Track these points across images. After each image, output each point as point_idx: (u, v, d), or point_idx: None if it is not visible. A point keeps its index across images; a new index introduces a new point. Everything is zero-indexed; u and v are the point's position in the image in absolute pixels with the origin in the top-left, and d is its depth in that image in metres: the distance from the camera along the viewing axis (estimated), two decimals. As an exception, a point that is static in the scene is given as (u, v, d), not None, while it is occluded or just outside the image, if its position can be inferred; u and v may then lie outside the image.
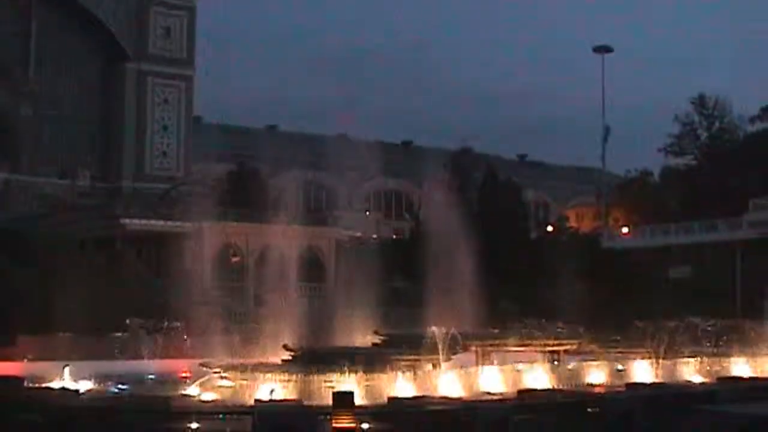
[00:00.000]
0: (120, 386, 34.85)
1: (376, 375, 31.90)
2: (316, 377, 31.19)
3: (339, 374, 31.07)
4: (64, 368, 34.62)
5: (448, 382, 34.32)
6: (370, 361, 32.50)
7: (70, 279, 42.66)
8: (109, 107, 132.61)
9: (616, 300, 71.98)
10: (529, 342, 39.77)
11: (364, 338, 39.78)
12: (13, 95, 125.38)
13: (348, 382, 30.61)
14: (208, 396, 32.50)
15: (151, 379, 35.98)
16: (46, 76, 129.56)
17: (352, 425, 25.42)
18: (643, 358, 40.95)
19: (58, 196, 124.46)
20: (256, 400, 29.80)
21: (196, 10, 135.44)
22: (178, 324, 41.10)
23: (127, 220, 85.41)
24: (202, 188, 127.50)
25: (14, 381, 31.74)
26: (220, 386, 33.81)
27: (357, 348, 38.46)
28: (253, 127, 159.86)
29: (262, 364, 33.17)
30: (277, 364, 34.42)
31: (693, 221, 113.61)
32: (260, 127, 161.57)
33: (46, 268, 41.45)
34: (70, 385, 34.16)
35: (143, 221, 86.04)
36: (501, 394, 33.29)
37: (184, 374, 36.63)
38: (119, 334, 40.16)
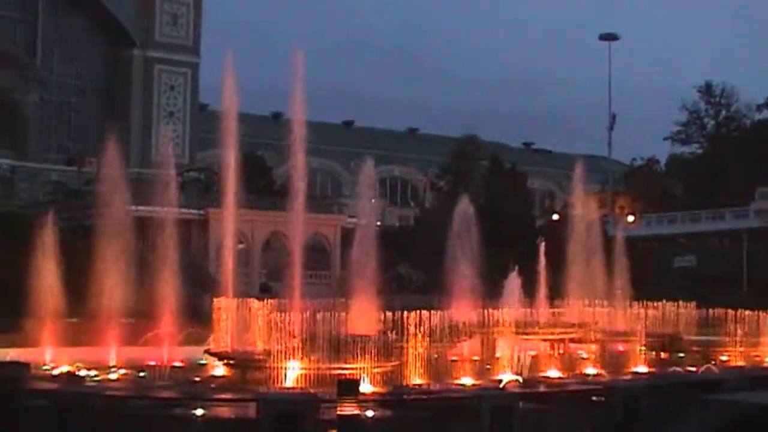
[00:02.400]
0: (120, 371, 34.99)
1: (382, 363, 31.92)
2: (322, 365, 31.21)
3: (345, 362, 31.10)
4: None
5: (454, 369, 34.39)
6: (375, 348, 32.51)
7: (75, 265, 42.69)
8: (116, 94, 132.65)
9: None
10: (534, 330, 39.74)
11: (369, 326, 39.75)
12: (20, 82, 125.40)
13: (354, 369, 30.64)
14: (213, 383, 32.58)
15: (151, 365, 35.99)
16: (52, 62, 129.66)
17: (357, 413, 25.44)
18: (648, 348, 40.98)
19: (65, 183, 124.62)
20: (261, 387, 29.85)
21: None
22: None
23: (132, 207, 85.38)
24: (207, 175, 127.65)
25: (20, 366, 31.78)
26: (224, 374, 33.93)
27: (362, 336, 38.46)
28: (258, 114, 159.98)
29: (266, 351, 33.17)
30: (283, 352, 34.42)
31: (699, 210, 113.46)
32: (266, 114, 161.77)
33: (53, 254, 41.57)
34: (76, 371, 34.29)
35: (149, 208, 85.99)
36: (507, 381, 33.30)
37: (178, 362, 36.73)
38: (125, 320, 40.19)
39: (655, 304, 45.57)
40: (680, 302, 46.88)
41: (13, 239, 63.05)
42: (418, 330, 33.78)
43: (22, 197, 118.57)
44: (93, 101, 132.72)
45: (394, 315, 35.18)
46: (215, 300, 37.55)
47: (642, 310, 44.36)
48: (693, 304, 47.23)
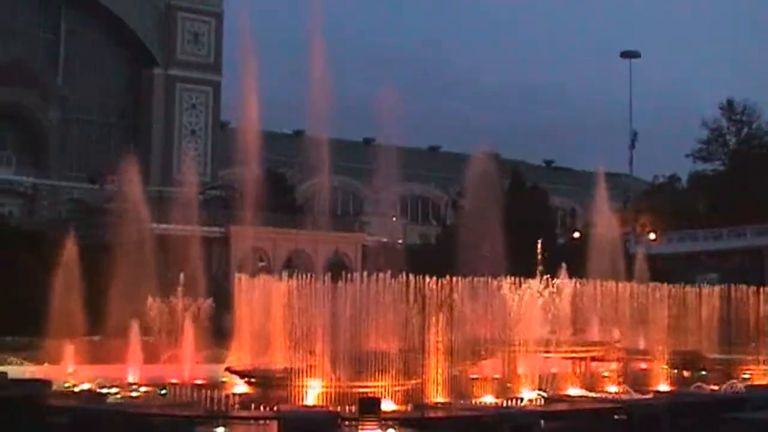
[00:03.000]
0: (141, 389, 35.02)
1: (403, 381, 31.83)
2: (343, 383, 31.15)
3: (366, 380, 31.03)
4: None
5: (476, 387, 34.28)
6: (397, 366, 32.46)
7: (96, 283, 42.86)
8: (138, 112, 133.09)
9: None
10: (556, 348, 39.58)
11: (390, 344, 39.67)
12: (42, 100, 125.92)
13: (375, 387, 30.57)
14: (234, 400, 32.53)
15: (173, 383, 36.07)
16: (74, 81, 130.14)
17: (378, 431, 25.39)
18: (670, 366, 40.81)
19: (86, 201, 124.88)
20: (283, 405, 29.80)
21: (224, 16, 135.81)
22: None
23: (154, 225, 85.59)
24: (229, 193, 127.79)
25: (41, 384, 31.88)
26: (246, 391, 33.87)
27: (384, 353, 38.37)
28: (280, 132, 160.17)
29: (287, 369, 33.13)
30: (303, 369, 34.37)
31: (721, 227, 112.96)
32: (288, 132, 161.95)
33: (74, 272, 41.78)
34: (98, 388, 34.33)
35: (170, 226, 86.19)
36: (528, 399, 33.20)
37: (199, 380, 36.74)
38: (147, 338, 40.31)
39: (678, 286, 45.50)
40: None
41: (35, 257, 63.28)
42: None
43: (44, 215, 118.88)
44: (115, 119, 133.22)
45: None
46: (236, 276, 37.67)
47: (666, 290, 44.11)
48: (716, 289, 47.25)
